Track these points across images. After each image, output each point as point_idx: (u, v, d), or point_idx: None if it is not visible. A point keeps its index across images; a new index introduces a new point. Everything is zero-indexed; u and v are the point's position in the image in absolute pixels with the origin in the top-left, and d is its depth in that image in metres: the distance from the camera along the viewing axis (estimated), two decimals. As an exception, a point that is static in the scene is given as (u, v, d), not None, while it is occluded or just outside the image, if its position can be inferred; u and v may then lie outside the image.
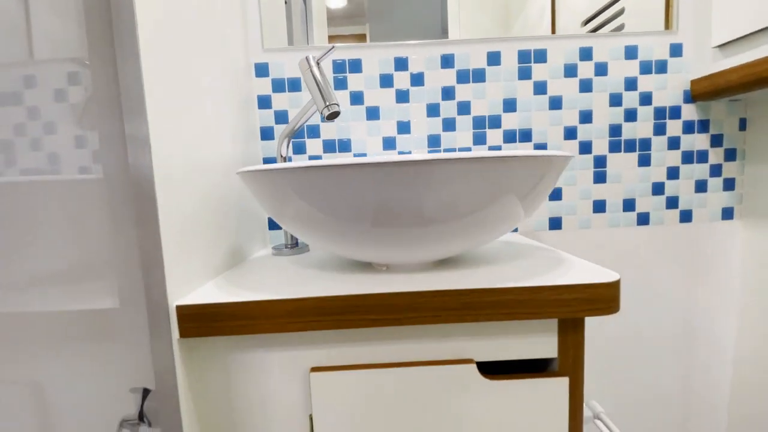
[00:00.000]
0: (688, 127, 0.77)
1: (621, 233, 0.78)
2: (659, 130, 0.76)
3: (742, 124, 0.77)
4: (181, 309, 0.41)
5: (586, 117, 0.75)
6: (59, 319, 0.42)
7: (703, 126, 0.77)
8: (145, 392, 0.51)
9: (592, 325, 0.79)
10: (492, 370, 0.52)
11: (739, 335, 0.79)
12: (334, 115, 0.57)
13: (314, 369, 0.44)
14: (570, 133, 0.76)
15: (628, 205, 0.78)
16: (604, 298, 0.42)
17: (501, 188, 0.41)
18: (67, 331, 0.42)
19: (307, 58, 0.58)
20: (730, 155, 0.78)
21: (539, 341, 0.45)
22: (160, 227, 0.40)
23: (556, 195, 0.77)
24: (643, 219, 0.78)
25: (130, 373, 0.44)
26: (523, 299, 0.41)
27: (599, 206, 0.77)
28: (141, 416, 0.51)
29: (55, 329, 0.42)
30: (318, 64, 0.58)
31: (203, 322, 0.41)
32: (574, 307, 0.42)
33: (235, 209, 0.62)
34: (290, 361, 0.45)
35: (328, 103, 0.57)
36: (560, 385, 0.45)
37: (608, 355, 0.79)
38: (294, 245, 0.67)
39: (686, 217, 0.78)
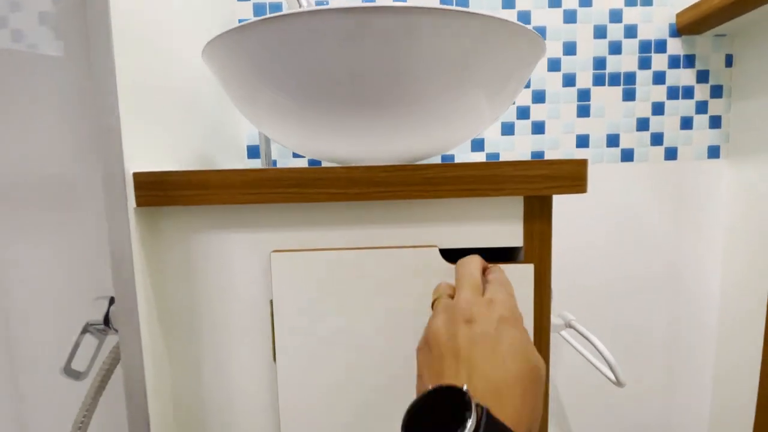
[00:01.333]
0: (674, 62, 0.76)
1: (604, 170, 0.77)
2: (644, 64, 0.75)
3: (729, 61, 0.76)
4: (137, 176, 0.40)
5: (569, 49, 0.74)
6: (19, 189, 0.41)
7: (689, 61, 0.76)
8: (112, 300, 0.50)
9: (577, 263, 0.78)
10: (456, 259, 0.52)
11: (724, 274, 0.78)
12: None
13: (276, 251, 0.43)
14: (553, 65, 0.75)
15: (612, 140, 0.77)
16: (570, 175, 0.41)
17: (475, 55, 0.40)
18: (28, 200, 0.41)
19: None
20: (717, 92, 0.77)
21: (505, 228, 0.44)
22: (118, 94, 0.39)
23: (538, 128, 0.76)
24: (627, 155, 0.77)
25: (89, 250, 0.43)
26: (485, 174, 0.40)
27: (582, 141, 0.76)
28: (107, 322, 0.50)
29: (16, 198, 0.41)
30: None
31: (160, 190, 0.40)
32: (539, 184, 0.41)
33: (206, 116, 0.61)
34: (252, 243, 0.44)
35: None
36: (525, 272, 0.44)
37: (593, 293, 0.78)
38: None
39: (671, 154, 0.77)
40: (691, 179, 0.77)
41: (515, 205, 0.44)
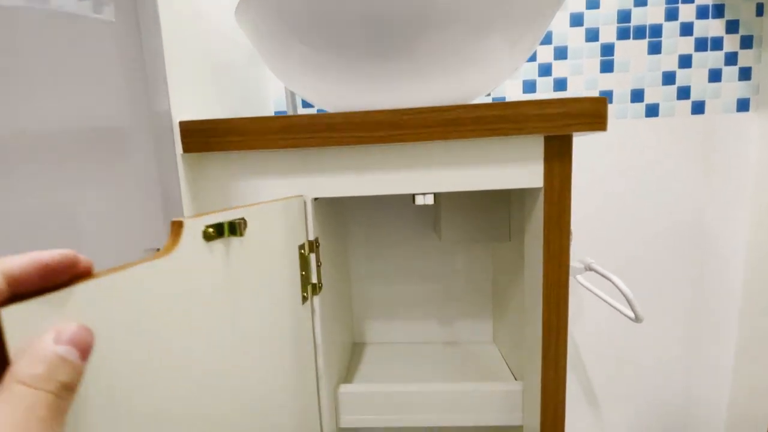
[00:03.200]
0: (702, 13, 0.74)
1: (628, 126, 0.77)
2: (671, 15, 0.74)
3: (760, 10, 0.73)
4: (184, 124, 0.44)
5: (593, 2, 0.74)
6: (70, 139, 0.45)
7: (718, 11, 0.73)
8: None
9: (600, 220, 0.78)
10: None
11: (752, 231, 0.77)
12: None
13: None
14: (576, 20, 0.74)
15: (637, 95, 0.76)
16: (589, 112, 0.42)
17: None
18: (84, 151, 0.45)
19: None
20: (747, 42, 0.74)
21: (525, 170, 0.46)
22: (164, 54, 0.43)
23: (560, 85, 0.76)
24: (653, 110, 0.76)
25: (141, 198, 0.48)
26: (506, 114, 0.42)
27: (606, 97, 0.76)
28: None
29: (68, 149, 0.45)
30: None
31: (204, 137, 0.44)
32: (559, 122, 0.42)
33: (238, 79, 0.65)
34: (286, 187, 0.47)
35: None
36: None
37: (615, 249, 0.79)
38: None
39: (699, 108, 0.76)
40: (719, 134, 0.76)
41: (536, 146, 0.46)
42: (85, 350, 0.19)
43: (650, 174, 0.77)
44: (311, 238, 0.49)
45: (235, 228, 0.31)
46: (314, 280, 0.50)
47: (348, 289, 0.79)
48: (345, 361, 0.72)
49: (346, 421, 0.60)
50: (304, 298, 0.48)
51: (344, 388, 0.60)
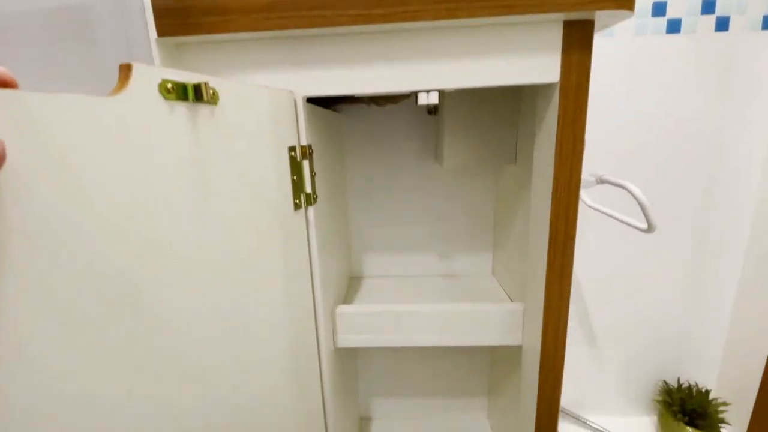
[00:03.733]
0: None
1: (648, 42, 0.71)
2: None
3: None
4: (157, 3, 0.39)
5: None
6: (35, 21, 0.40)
7: None
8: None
9: (614, 136, 0.74)
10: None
11: None
12: None
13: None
14: None
15: (659, 9, 0.70)
16: (615, -13, 0.37)
17: None
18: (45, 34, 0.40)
19: None
20: (783, -51, 0.67)
21: (540, 60, 0.41)
22: None
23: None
24: (674, 26, 0.70)
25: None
26: (522, -12, 0.37)
27: None
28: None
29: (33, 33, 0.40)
30: None
31: (180, 17, 0.39)
32: (581, -1, 0.37)
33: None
34: (277, 83, 0.43)
35: None
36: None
37: (631, 157, 0.75)
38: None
39: (723, 24, 0.70)
40: (743, 52, 0.71)
41: (553, 33, 0.41)
42: None
43: (667, 92, 0.72)
44: (303, 142, 0.45)
45: (200, 93, 0.27)
46: (308, 189, 0.47)
47: (345, 221, 0.76)
48: (343, 289, 0.70)
49: (344, 340, 0.59)
50: (297, 205, 0.45)
51: (342, 309, 0.58)
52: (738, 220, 0.76)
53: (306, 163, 0.46)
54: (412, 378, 0.86)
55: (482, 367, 0.84)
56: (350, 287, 0.76)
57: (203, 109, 0.29)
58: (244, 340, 0.34)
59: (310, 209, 0.47)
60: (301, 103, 0.44)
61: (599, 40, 0.70)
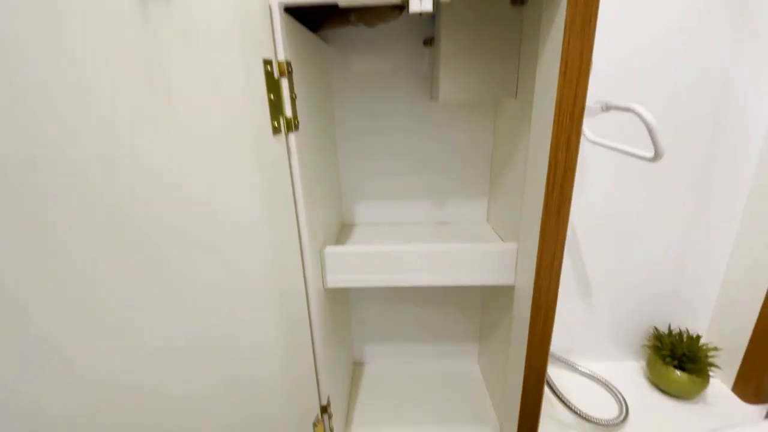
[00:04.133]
0: None
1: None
2: None
3: None
4: None
5: None
6: None
7: None
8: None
9: (618, 79, 0.69)
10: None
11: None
12: None
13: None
14: None
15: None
16: None
17: None
18: None
19: None
20: None
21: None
22: None
23: None
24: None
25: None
26: None
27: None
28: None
29: None
30: None
31: None
32: None
33: None
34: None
35: None
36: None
37: (635, 88, 0.71)
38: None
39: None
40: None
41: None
42: None
43: (678, 39, 0.66)
44: (281, 58, 0.41)
45: None
46: (288, 113, 0.43)
47: (335, 162, 0.73)
48: (333, 234, 0.68)
49: (333, 281, 0.57)
50: (275, 129, 0.41)
51: (331, 249, 0.56)
52: (740, 171, 0.73)
53: (285, 82, 0.41)
54: (404, 324, 0.86)
55: (473, 313, 0.84)
56: (341, 233, 0.74)
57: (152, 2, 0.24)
58: (222, 270, 0.32)
59: (291, 136, 0.44)
60: (277, 11, 0.39)
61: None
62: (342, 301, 0.76)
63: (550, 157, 0.42)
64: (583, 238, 0.81)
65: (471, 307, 0.84)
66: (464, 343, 0.87)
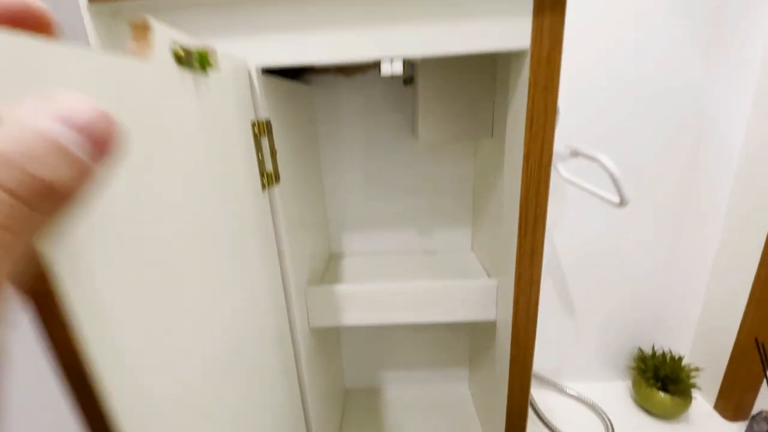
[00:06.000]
0: None
1: None
2: None
3: None
4: (81, -38, 0.35)
5: None
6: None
7: None
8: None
9: (590, 98, 0.72)
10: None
11: (754, 120, 0.71)
12: None
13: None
14: None
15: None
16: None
17: None
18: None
19: None
20: None
21: (508, 25, 0.39)
22: None
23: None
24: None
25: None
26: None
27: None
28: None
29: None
30: None
31: (110, -21, 0.35)
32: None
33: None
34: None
35: None
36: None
37: (611, 123, 0.74)
38: None
39: (713, -17, 0.66)
40: (731, 3, 0.67)
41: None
42: (101, 143, 0.11)
43: (648, 49, 0.69)
44: (261, 117, 0.43)
45: (205, 60, 0.25)
46: (269, 168, 0.44)
47: (321, 198, 0.74)
48: (320, 267, 0.69)
49: (317, 320, 0.58)
50: (263, 186, 0.43)
51: (314, 290, 0.58)
52: (717, 191, 0.75)
53: (265, 141, 0.43)
54: (395, 351, 0.87)
55: (463, 339, 0.85)
56: (329, 264, 0.75)
57: (203, 80, 0.26)
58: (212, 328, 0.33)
59: (275, 189, 0.45)
60: (255, 74, 0.41)
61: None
62: (331, 333, 0.77)
63: (520, 206, 0.44)
64: (566, 259, 0.83)
65: (461, 334, 0.85)
66: (455, 367, 0.88)
